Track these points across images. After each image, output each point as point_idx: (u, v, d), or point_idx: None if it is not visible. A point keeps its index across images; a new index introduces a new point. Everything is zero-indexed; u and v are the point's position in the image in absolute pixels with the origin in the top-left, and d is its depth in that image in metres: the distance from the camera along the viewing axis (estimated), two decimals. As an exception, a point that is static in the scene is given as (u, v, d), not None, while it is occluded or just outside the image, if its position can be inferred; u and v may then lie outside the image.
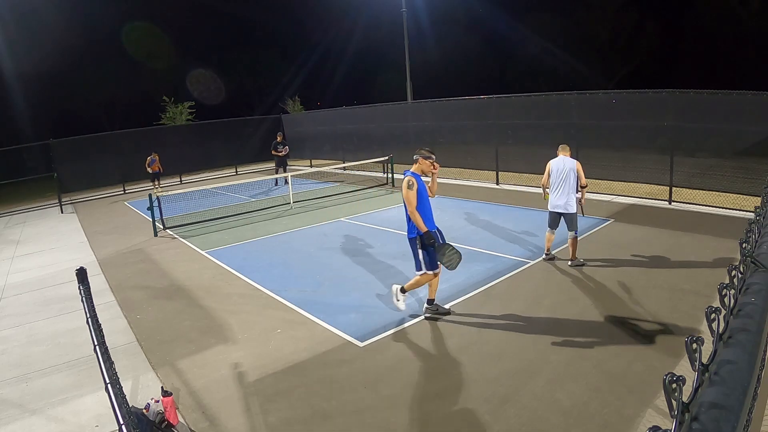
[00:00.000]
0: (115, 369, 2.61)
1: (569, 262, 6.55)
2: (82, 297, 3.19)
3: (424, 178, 5.22)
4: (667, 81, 16.98)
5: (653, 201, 9.92)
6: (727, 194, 9.13)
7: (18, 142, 18.08)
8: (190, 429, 3.69)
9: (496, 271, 6.48)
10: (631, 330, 4.71)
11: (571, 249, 6.53)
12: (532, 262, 6.77)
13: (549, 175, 6.53)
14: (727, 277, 1.36)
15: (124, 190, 17.66)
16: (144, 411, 3.66)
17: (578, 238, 6.60)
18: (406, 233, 5.31)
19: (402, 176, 5.29)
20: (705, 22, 26.44)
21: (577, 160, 6.56)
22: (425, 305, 5.38)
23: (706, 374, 0.94)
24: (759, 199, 4.53)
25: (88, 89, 33.40)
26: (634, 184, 10.64)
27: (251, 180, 15.25)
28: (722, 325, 1.15)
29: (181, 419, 3.78)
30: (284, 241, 8.87)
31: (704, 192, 9.55)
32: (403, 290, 5.32)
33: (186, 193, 13.22)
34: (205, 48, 38.76)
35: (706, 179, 9.71)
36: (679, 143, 9.92)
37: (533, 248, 7.35)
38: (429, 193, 5.26)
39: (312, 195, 13.20)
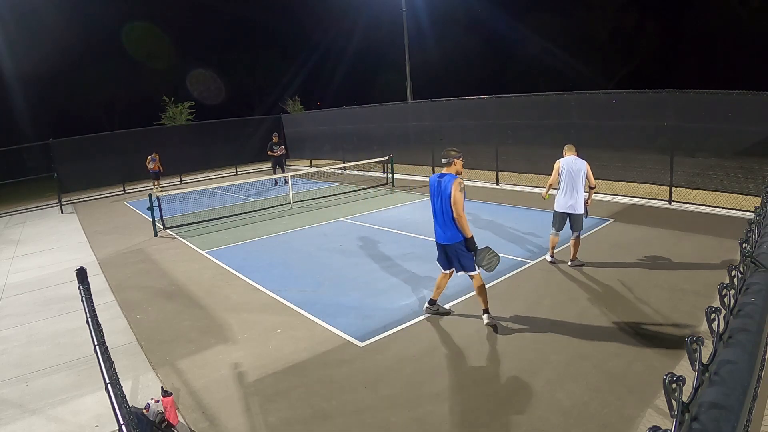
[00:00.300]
0: (115, 369, 2.61)
1: (569, 262, 6.54)
2: (82, 297, 3.19)
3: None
4: (667, 81, 16.96)
5: (653, 201, 9.92)
6: (727, 194, 9.13)
7: (18, 142, 18.08)
8: (190, 429, 3.69)
9: (496, 271, 6.41)
10: (631, 330, 4.71)
11: (572, 249, 6.51)
12: (532, 262, 6.76)
13: (558, 175, 6.39)
14: (727, 277, 1.36)
15: (124, 190, 17.67)
16: (144, 411, 3.65)
17: (580, 238, 6.58)
18: (434, 238, 5.06)
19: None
20: (705, 22, 26.45)
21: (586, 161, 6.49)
22: (426, 305, 5.36)
23: (706, 374, 0.94)
24: (759, 199, 4.53)
25: (88, 89, 33.40)
26: (634, 184, 10.64)
27: (251, 180, 15.25)
28: (722, 325, 1.15)
29: (181, 419, 3.78)
30: (284, 241, 8.87)
31: (704, 192, 9.55)
32: (486, 311, 4.99)
33: (186, 193, 13.23)
34: (205, 48, 38.82)
35: (706, 179, 9.71)
36: (679, 143, 9.92)
37: (533, 248, 7.35)
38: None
39: (312, 195, 13.20)
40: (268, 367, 4.50)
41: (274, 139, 15.76)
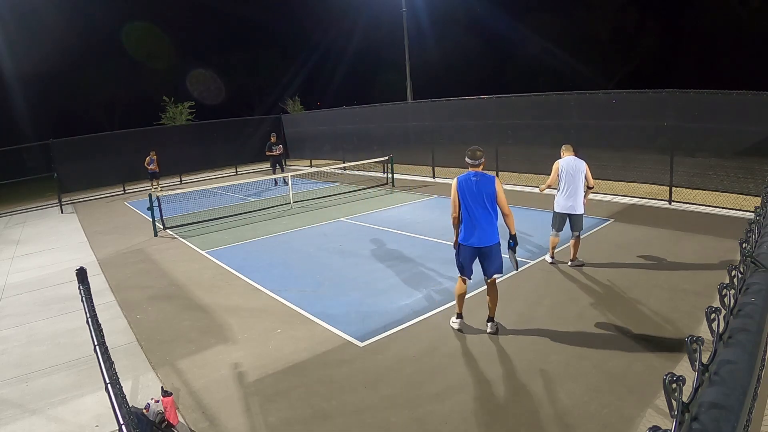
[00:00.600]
0: (115, 369, 2.61)
1: (569, 262, 6.54)
2: (82, 297, 3.19)
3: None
4: (667, 81, 16.94)
5: (653, 201, 9.92)
6: (727, 194, 9.13)
7: (18, 142, 18.06)
8: (190, 429, 3.69)
9: (496, 271, 6.47)
10: (631, 330, 4.71)
11: (573, 249, 6.51)
12: (532, 262, 6.76)
13: (558, 175, 6.37)
14: (727, 277, 1.36)
15: (124, 190, 17.67)
16: (144, 411, 3.65)
17: (580, 238, 6.57)
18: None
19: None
20: (705, 22, 26.45)
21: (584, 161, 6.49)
22: (457, 321, 4.98)
23: (706, 374, 0.94)
24: (759, 199, 4.53)
25: (88, 89, 33.41)
26: (634, 184, 10.64)
27: (251, 180, 15.25)
28: (722, 325, 1.15)
29: (181, 419, 3.78)
30: (284, 241, 8.87)
31: (704, 192, 9.55)
32: (491, 318, 4.90)
33: (186, 193, 13.23)
34: (205, 48, 38.85)
35: (706, 179, 9.71)
36: (679, 143, 9.92)
37: (533, 248, 7.34)
38: None
39: (312, 195, 13.20)
40: (268, 367, 4.50)
41: (272, 139, 15.81)
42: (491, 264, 4.71)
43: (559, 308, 5.31)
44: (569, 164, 6.32)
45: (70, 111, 33.20)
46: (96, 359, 2.53)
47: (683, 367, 3.96)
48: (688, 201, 9.55)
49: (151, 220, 10.10)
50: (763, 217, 2.37)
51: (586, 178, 6.33)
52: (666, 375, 0.85)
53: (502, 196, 4.63)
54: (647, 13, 28.35)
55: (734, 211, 8.64)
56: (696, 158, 10.26)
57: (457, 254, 4.83)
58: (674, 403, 0.82)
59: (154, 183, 16.41)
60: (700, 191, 9.64)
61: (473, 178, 4.63)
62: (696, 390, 0.90)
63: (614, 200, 10.21)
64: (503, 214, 4.68)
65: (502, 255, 4.81)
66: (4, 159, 16.11)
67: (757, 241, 1.87)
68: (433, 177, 14.92)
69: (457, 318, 5.00)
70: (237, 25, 40.01)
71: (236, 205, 12.47)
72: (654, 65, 29.25)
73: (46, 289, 7.25)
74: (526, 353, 4.42)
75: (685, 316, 4.90)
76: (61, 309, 6.36)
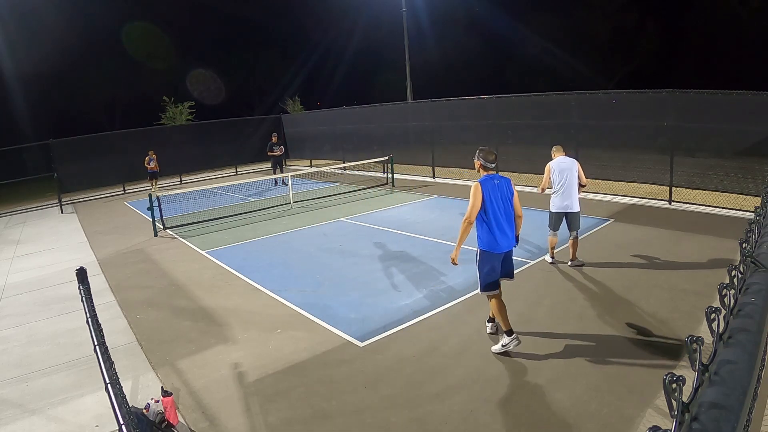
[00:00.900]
0: (115, 369, 2.61)
1: (569, 262, 6.54)
2: (82, 297, 3.19)
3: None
4: (667, 81, 16.96)
5: (653, 201, 9.92)
6: (727, 194, 9.13)
7: (18, 142, 18.06)
8: (190, 429, 3.69)
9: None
10: (631, 330, 4.71)
11: (571, 249, 6.52)
12: (532, 262, 6.77)
13: (550, 177, 6.42)
14: (727, 277, 1.36)
15: (124, 190, 17.67)
16: (144, 411, 3.66)
17: (578, 238, 6.59)
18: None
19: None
20: (705, 22, 26.45)
21: (576, 160, 6.54)
22: (511, 341, 4.41)
23: (706, 374, 0.94)
24: (759, 199, 4.53)
25: (88, 89, 33.39)
26: (634, 184, 10.63)
27: (251, 180, 15.25)
28: (722, 325, 1.15)
29: (181, 419, 3.78)
30: (284, 241, 8.87)
31: (704, 192, 9.55)
32: (492, 319, 4.84)
33: (186, 193, 13.23)
34: (205, 48, 38.83)
35: (706, 179, 9.71)
36: (679, 143, 9.92)
37: (533, 248, 7.35)
38: None
39: (312, 195, 13.20)
40: (268, 367, 4.50)
41: (273, 139, 15.83)
42: (506, 268, 4.61)
43: (559, 308, 5.31)
44: (561, 164, 6.39)
45: (70, 111, 33.16)
46: (96, 359, 2.53)
47: (683, 367, 3.96)
48: (688, 201, 9.55)
49: (151, 220, 10.10)
50: (763, 217, 2.37)
51: (578, 176, 6.36)
52: (666, 375, 0.85)
53: (517, 198, 4.58)
54: (647, 13, 28.35)
55: (734, 211, 8.64)
56: (696, 158, 10.26)
57: (482, 265, 4.47)
58: (674, 403, 0.82)
59: (154, 182, 16.42)
60: (700, 191, 9.64)
61: (496, 181, 4.47)
62: (696, 390, 0.90)
63: (614, 200, 10.21)
64: (516, 216, 4.58)
65: None
66: (4, 159, 16.11)
67: (757, 241, 1.87)
68: (433, 177, 14.92)
69: (509, 336, 4.39)
70: (237, 25, 40.01)
71: (236, 205, 12.47)
72: (654, 65, 29.25)
73: (46, 289, 7.25)
74: (526, 353, 4.41)
75: (685, 316, 4.90)
76: (61, 309, 6.36)
